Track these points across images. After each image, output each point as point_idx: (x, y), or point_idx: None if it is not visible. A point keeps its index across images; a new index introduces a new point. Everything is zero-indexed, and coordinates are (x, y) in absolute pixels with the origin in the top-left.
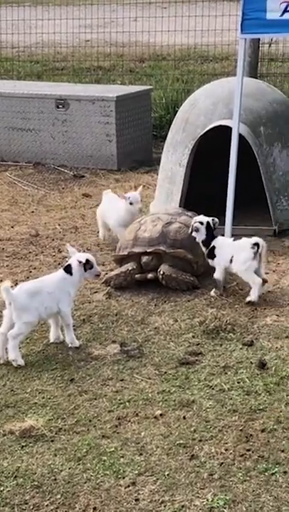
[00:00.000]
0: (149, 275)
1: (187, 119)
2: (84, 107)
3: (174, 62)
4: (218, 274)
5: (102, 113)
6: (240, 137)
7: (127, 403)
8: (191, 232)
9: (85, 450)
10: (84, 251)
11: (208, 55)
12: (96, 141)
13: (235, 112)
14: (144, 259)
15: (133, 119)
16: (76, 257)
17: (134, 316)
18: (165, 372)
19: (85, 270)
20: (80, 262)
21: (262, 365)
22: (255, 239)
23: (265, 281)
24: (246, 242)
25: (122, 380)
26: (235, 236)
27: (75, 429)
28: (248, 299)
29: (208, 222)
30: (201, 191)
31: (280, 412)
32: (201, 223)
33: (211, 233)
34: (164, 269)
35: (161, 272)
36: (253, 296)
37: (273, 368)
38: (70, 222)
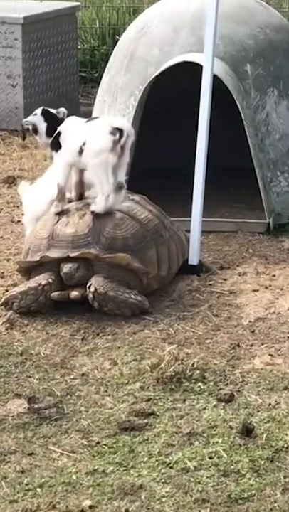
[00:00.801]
0: (73, 293)
1: (133, 52)
2: None
3: None
4: (60, 176)
5: (2, 43)
6: (216, 80)
7: (39, 489)
8: (24, 136)
9: None
10: None
11: None
12: None
13: (208, 42)
14: (66, 268)
15: (50, 52)
16: None
17: (49, 357)
18: (98, 443)
19: None
20: None
21: (247, 432)
22: (118, 121)
23: (121, 186)
24: (104, 123)
25: (30, 455)
26: (207, 233)
27: None
28: (91, 207)
29: (43, 110)
30: (154, 164)
31: (274, 502)
32: (34, 114)
33: (55, 120)
34: (96, 283)
35: (92, 289)
36: (97, 207)
37: (264, 435)
38: None
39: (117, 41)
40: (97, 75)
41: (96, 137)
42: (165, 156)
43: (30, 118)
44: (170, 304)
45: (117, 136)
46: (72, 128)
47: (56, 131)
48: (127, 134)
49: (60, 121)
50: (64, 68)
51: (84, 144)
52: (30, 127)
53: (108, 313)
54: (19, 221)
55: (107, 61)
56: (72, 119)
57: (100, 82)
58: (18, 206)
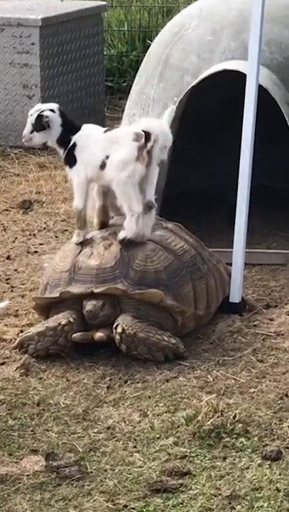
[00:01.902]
0: (98, 334)
1: (167, 59)
2: None
3: None
4: (77, 197)
5: (17, 48)
6: (261, 90)
7: None
8: (34, 130)
9: None
10: None
11: None
12: (6, 98)
13: (253, 48)
14: (89, 305)
15: (72, 58)
16: None
17: (70, 407)
18: (125, 507)
19: None
20: None
21: None
22: (146, 123)
23: (150, 206)
24: (127, 131)
25: None
26: (250, 266)
27: None
28: (119, 235)
29: (60, 110)
30: (190, 186)
31: None
32: (52, 111)
33: (70, 125)
34: (123, 323)
35: (119, 329)
36: (126, 232)
37: None
38: None
39: (148, 46)
40: (126, 84)
41: (120, 147)
42: (202, 176)
43: (48, 114)
44: (208, 347)
45: (142, 140)
46: (90, 139)
47: (72, 142)
48: (155, 138)
49: (76, 129)
50: (88, 77)
51: (107, 157)
52: (45, 121)
53: (137, 357)
54: (36, 251)
55: (136, 69)
56: (89, 127)
57: (128, 93)
58: (34, 234)
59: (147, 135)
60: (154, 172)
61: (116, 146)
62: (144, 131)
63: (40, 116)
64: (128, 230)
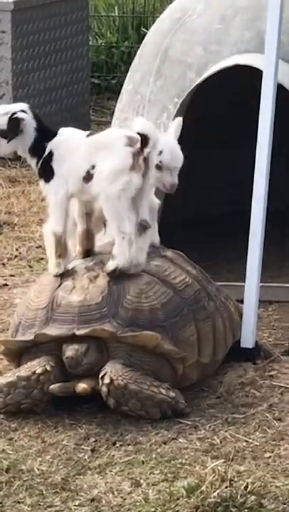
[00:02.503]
0: (81, 386)
1: (167, 51)
2: None
3: None
4: (55, 219)
5: None
6: (281, 90)
7: None
8: (5, 137)
9: None
10: None
11: None
12: None
13: (271, 39)
14: (71, 350)
15: (50, 50)
16: None
17: (46, 474)
18: None
19: None
20: None
21: None
22: (140, 124)
23: (145, 226)
24: (116, 135)
25: None
26: (266, 303)
27: None
28: (108, 266)
29: (32, 110)
30: (191, 208)
31: None
32: (24, 112)
33: (45, 130)
34: (112, 372)
35: (107, 380)
36: (118, 260)
37: None
38: None
39: (143, 36)
40: (116, 82)
41: (109, 154)
42: (206, 197)
43: (22, 114)
44: (215, 402)
45: (138, 145)
46: (69, 145)
47: (47, 151)
48: (153, 141)
49: (52, 134)
50: (70, 73)
51: (93, 167)
52: (15, 124)
53: (128, 414)
54: (6, 284)
55: (129, 63)
56: (67, 131)
57: (119, 93)
58: (4, 264)
59: (144, 138)
60: (149, 184)
61: (104, 153)
62: (139, 133)
63: (14, 120)
64: (120, 257)
